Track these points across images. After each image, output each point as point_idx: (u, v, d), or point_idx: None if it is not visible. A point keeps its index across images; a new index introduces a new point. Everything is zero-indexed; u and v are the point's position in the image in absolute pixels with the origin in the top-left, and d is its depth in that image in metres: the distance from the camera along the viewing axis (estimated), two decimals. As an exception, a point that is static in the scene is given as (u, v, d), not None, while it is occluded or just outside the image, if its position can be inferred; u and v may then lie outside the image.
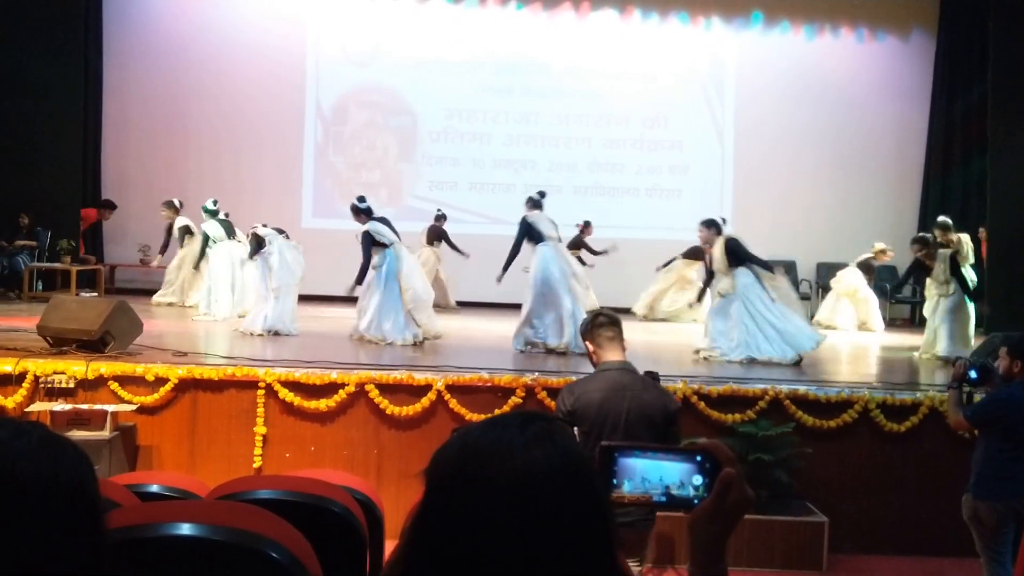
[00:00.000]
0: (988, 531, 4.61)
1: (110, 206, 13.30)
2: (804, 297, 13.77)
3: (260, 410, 6.17)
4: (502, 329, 9.81)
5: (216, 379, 6.21)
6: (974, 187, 13.30)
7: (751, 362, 7.97)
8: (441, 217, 12.98)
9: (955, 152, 13.85)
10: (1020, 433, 4.55)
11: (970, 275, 9.02)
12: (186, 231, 11.93)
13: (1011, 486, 4.55)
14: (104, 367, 6.19)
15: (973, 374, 4.75)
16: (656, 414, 3.85)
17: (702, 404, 6.25)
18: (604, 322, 3.98)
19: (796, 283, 13.90)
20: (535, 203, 8.92)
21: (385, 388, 6.22)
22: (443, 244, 12.85)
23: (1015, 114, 11.58)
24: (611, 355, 3.94)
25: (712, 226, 8.82)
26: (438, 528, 1.15)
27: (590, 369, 4.14)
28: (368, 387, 6.20)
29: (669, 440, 3.81)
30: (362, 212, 8.84)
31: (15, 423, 1.21)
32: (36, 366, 6.17)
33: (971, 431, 4.78)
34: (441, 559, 1.13)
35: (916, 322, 12.87)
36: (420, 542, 1.17)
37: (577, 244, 12.37)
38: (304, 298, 11.79)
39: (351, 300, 11.89)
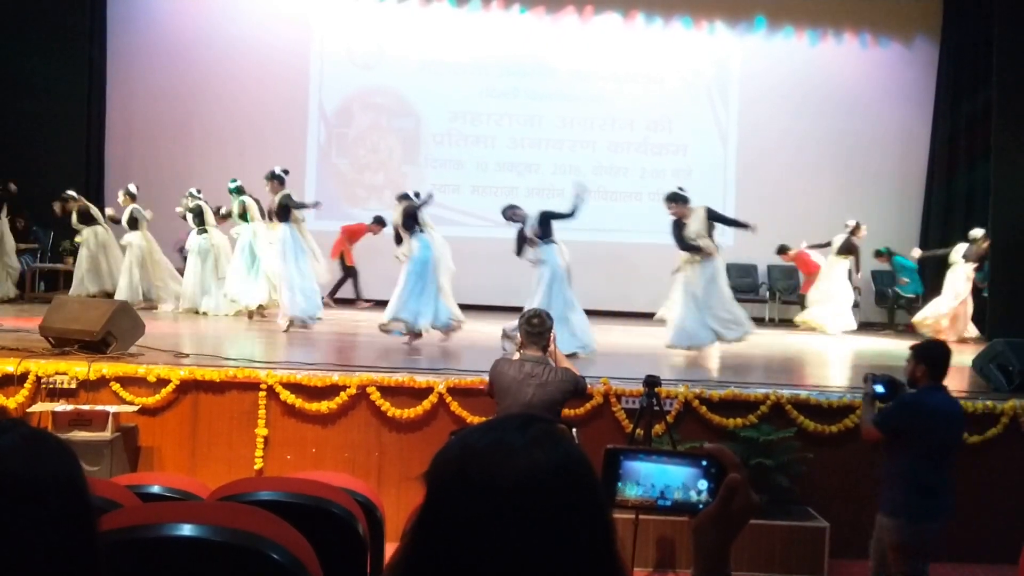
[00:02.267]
0: (921, 559, 4.40)
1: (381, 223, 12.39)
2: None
3: (261, 412, 6.17)
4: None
5: (217, 380, 6.21)
6: (977, 192, 13.28)
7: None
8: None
9: (958, 157, 13.84)
10: (934, 441, 4.37)
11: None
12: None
13: (940, 503, 4.34)
14: (106, 368, 6.19)
15: (880, 388, 4.55)
16: (557, 396, 4.87)
17: (703, 408, 6.24)
18: (535, 325, 4.95)
19: (798, 286, 13.92)
20: (278, 179, 9.59)
21: (386, 390, 6.22)
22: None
23: (1019, 119, 11.56)
24: (530, 351, 4.94)
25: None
26: (440, 530, 1.15)
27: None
28: (369, 389, 6.19)
29: (575, 396, 5.09)
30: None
31: None
32: (38, 366, 6.17)
33: (880, 440, 4.53)
34: (443, 561, 1.13)
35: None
36: (422, 544, 1.16)
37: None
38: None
39: (351, 302, 12.02)
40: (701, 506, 1.24)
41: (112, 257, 11.77)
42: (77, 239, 11.80)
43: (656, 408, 5.24)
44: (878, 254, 13.19)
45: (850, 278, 12.33)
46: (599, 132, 14.34)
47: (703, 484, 1.25)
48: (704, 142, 14.42)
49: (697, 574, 1.27)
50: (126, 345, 6.83)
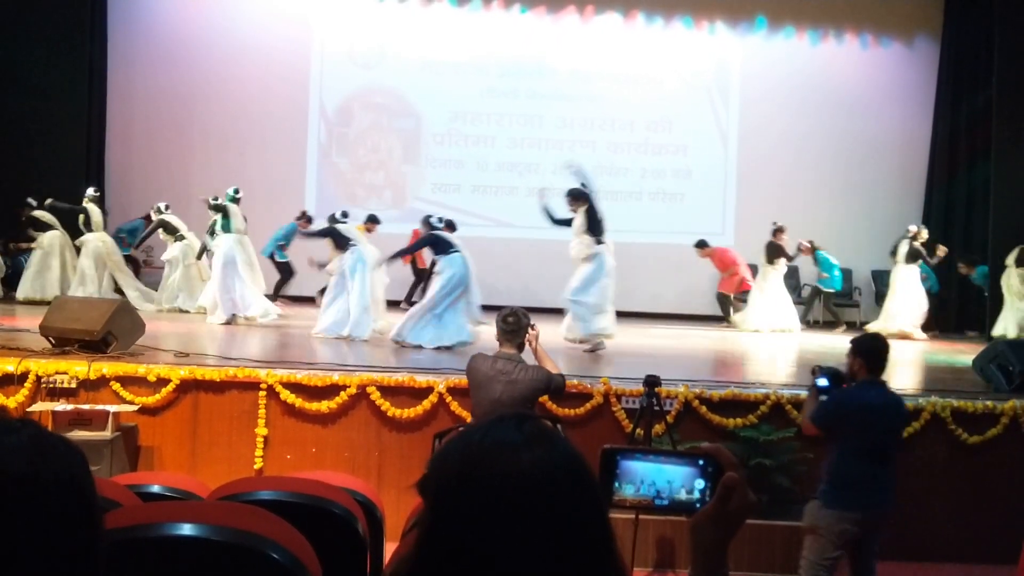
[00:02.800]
0: (825, 544, 4.37)
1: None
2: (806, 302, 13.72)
3: (261, 411, 6.17)
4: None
5: (218, 380, 6.21)
6: (978, 193, 13.29)
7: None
8: (778, 231, 12.17)
9: (959, 158, 13.84)
10: (866, 437, 4.35)
11: None
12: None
13: (862, 496, 4.34)
14: (106, 367, 6.19)
15: (823, 382, 4.50)
16: (527, 393, 4.92)
17: (704, 408, 6.24)
18: (509, 324, 5.04)
19: (798, 287, 13.90)
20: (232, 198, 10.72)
21: (386, 390, 6.22)
22: (782, 261, 12.17)
23: (1019, 120, 11.57)
24: (505, 348, 5.03)
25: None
26: (443, 531, 1.15)
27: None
28: (369, 389, 6.19)
29: (547, 393, 5.21)
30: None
31: (5, 421, 1.21)
32: (38, 366, 6.16)
33: (818, 434, 4.57)
34: (446, 561, 1.13)
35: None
36: (425, 545, 1.16)
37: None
38: (305, 299, 11.88)
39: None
40: (698, 505, 1.25)
41: (65, 263, 11.96)
42: (33, 245, 11.98)
43: (656, 408, 5.24)
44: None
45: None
46: (599, 132, 14.34)
47: (700, 483, 1.25)
48: (704, 142, 14.43)
49: (695, 573, 1.27)
50: (126, 345, 6.83)
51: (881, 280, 13.79)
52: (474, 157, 14.33)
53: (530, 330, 5.12)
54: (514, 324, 5.04)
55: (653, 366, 6.59)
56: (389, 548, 3.24)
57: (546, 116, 14.31)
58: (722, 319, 12.84)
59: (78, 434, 5.66)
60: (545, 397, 6.14)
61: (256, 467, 6.11)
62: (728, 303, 12.76)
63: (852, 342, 4.65)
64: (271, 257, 12.52)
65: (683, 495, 1.25)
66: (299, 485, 3.09)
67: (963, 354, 9.30)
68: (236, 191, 10.85)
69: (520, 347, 5.06)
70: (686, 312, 13.44)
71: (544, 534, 1.12)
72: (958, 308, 13.49)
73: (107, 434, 5.78)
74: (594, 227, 8.55)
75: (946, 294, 13.29)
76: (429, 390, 6.20)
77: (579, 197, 8.64)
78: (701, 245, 12.79)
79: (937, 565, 6.03)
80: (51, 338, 6.87)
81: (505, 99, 14.31)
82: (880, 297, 13.70)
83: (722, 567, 1.26)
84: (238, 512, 2.43)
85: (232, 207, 10.59)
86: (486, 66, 14.32)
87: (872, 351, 4.53)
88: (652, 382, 5.13)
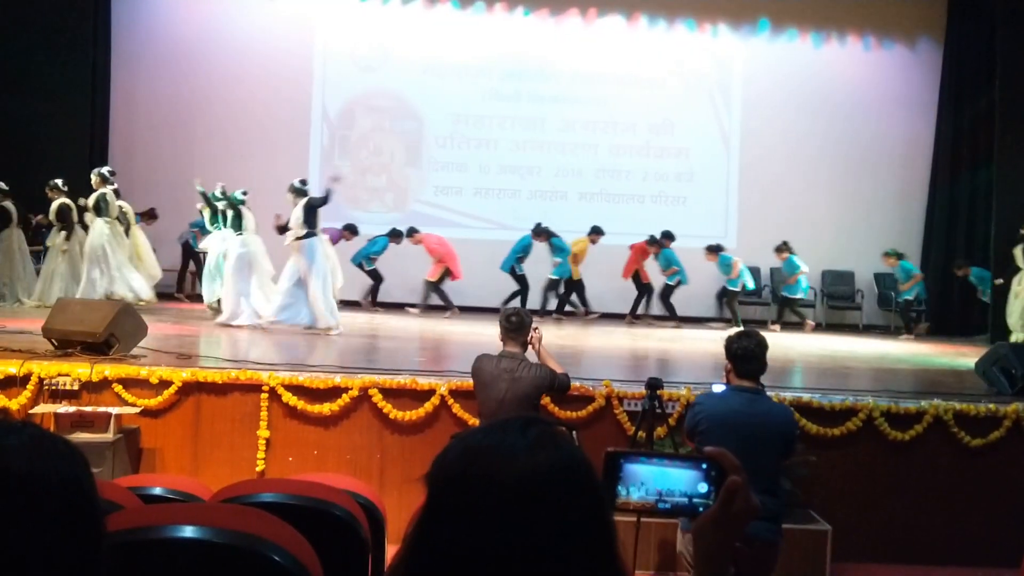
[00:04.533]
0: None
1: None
2: (808, 304, 13.72)
3: (263, 413, 6.16)
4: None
5: (220, 382, 6.20)
6: (980, 196, 13.29)
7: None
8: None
9: (962, 161, 13.84)
10: (711, 443, 3.88)
11: None
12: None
13: None
14: (108, 369, 6.19)
15: (720, 388, 4.23)
16: (530, 391, 4.99)
17: (706, 411, 6.23)
18: (512, 323, 5.14)
19: (798, 288, 13.86)
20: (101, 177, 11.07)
21: (388, 392, 6.21)
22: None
23: (1022, 123, 11.55)
24: (509, 347, 5.13)
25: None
26: (441, 532, 1.15)
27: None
28: (371, 391, 6.19)
29: (551, 391, 5.28)
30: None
31: (6, 421, 1.21)
32: (41, 368, 6.16)
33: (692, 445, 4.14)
34: (443, 563, 1.13)
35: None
36: (423, 546, 1.17)
37: None
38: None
39: (354, 303, 12.11)
40: (701, 509, 1.25)
41: None
42: None
43: (658, 411, 5.24)
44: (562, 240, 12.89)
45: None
46: (601, 135, 14.35)
47: (703, 487, 1.25)
48: (706, 145, 14.43)
49: (697, 576, 1.27)
50: (128, 347, 6.83)
51: (883, 283, 13.78)
52: (476, 160, 14.34)
53: (533, 332, 5.15)
54: (517, 323, 5.13)
55: (655, 368, 6.60)
56: (391, 551, 3.24)
57: (548, 119, 14.33)
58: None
59: (80, 436, 5.66)
60: (548, 401, 6.17)
61: (258, 469, 6.11)
62: (430, 290, 12.59)
63: (725, 341, 4.09)
64: (511, 271, 12.64)
65: (685, 499, 1.25)
66: (301, 487, 3.09)
67: (965, 356, 9.29)
68: (112, 172, 11.26)
69: (524, 346, 5.14)
70: (689, 314, 13.44)
71: (540, 538, 1.11)
72: (960, 310, 13.46)
73: (109, 436, 5.78)
74: (309, 220, 9.55)
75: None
76: (431, 392, 6.20)
77: (297, 192, 9.73)
78: (410, 234, 12.83)
79: (939, 568, 6.02)
80: (53, 340, 6.87)
81: (507, 102, 14.32)
82: (883, 300, 13.71)
83: (724, 570, 1.26)
84: (240, 514, 2.44)
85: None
86: (488, 69, 14.33)
87: (736, 352, 3.95)
88: (654, 384, 5.13)
